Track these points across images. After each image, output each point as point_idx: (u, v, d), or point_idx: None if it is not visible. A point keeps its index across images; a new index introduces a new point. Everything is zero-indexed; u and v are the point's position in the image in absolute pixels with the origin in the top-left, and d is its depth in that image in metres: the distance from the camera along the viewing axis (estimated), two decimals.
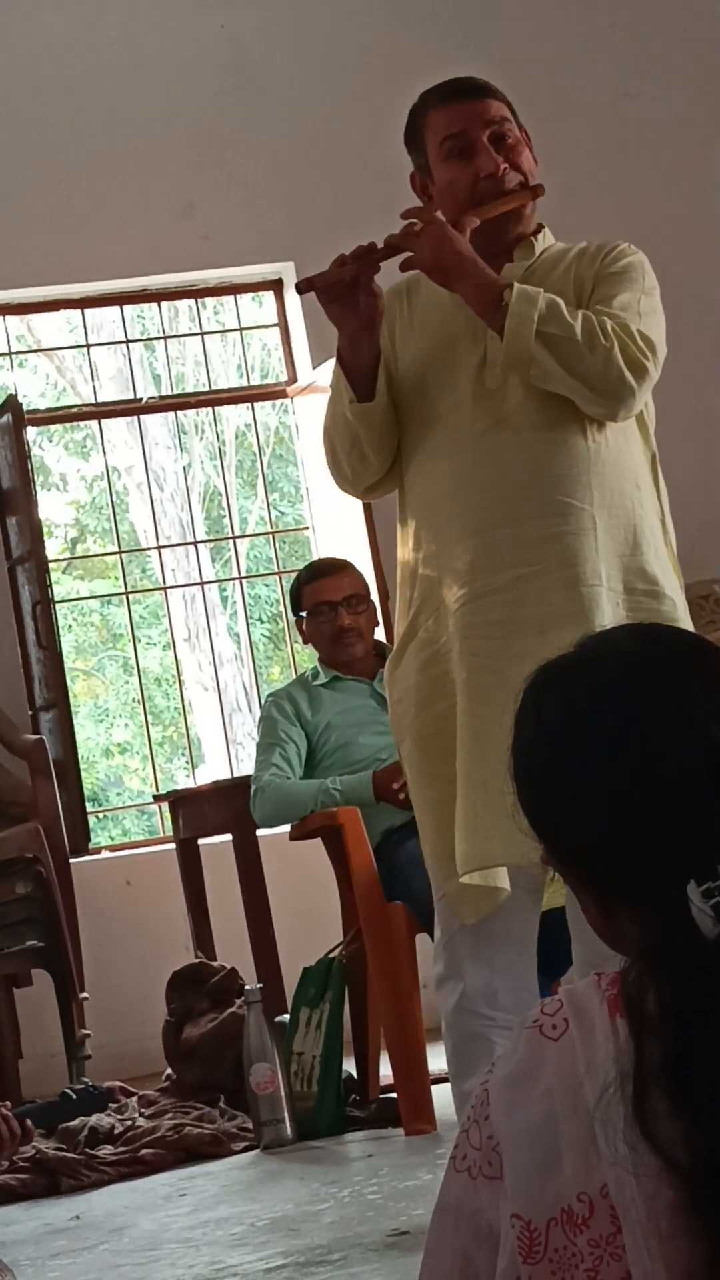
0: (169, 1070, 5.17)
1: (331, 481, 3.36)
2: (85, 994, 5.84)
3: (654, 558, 3.18)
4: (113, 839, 10.17)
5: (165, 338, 8.16)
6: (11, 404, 6.64)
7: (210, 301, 7.64)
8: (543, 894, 3.12)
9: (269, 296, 7.39)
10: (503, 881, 3.00)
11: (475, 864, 2.96)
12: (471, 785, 2.98)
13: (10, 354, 7.61)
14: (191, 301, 7.47)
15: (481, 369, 3.15)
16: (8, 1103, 3.70)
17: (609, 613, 3.06)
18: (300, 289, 3.17)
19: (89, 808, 6.86)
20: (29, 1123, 3.23)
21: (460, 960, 3.07)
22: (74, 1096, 4.05)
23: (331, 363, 3.28)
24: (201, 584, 8.79)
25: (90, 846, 6.68)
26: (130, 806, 12.21)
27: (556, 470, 3.10)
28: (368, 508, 6.65)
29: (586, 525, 3.09)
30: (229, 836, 5.58)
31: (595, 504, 3.11)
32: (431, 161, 3.24)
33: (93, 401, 8.07)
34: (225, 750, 7.99)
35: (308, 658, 7.74)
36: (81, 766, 6.80)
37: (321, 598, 5.10)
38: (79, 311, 7.35)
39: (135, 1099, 5.06)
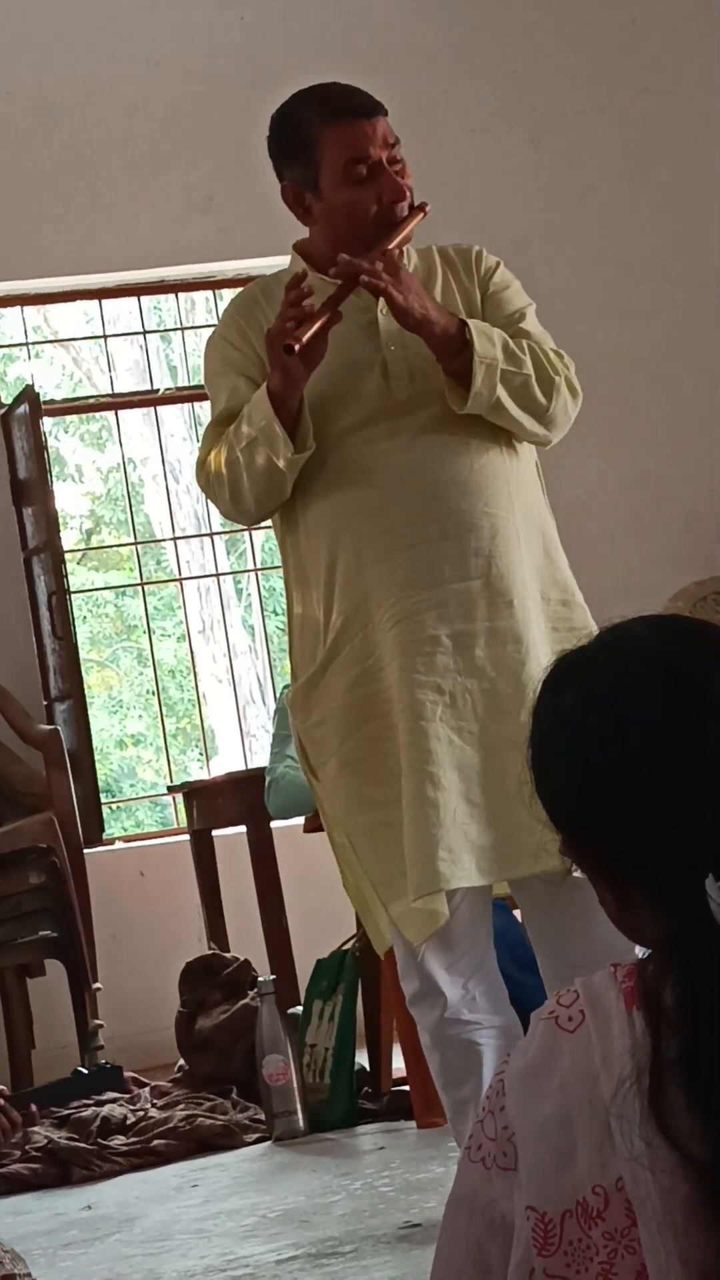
0: (181, 1061, 5.18)
1: None
2: (98, 984, 5.85)
3: (564, 566, 3.19)
4: (126, 830, 10.18)
5: (182, 329, 8.17)
6: (28, 394, 6.65)
7: (227, 294, 7.63)
8: (492, 887, 3.11)
9: None
10: (442, 906, 2.95)
11: (428, 888, 2.91)
12: (421, 805, 2.93)
13: (27, 344, 7.62)
14: (208, 293, 7.48)
15: (385, 381, 3.11)
16: (3, 1088, 3.66)
17: (537, 625, 3.07)
18: (290, 351, 2.97)
19: (103, 798, 6.86)
20: (33, 1106, 3.21)
21: (435, 977, 3.05)
22: (86, 1073, 4.04)
23: None
24: (217, 576, 8.78)
25: (104, 837, 6.69)
26: (144, 798, 12.22)
27: (480, 482, 3.08)
28: None
29: (512, 536, 3.08)
30: (243, 828, 5.59)
31: (517, 515, 3.11)
32: (327, 180, 3.11)
33: (109, 392, 8.08)
34: (239, 742, 7.99)
35: None
36: (95, 757, 6.80)
37: None
38: (96, 302, 7.35)
39: (147, 1090, 5.06)
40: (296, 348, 2.98)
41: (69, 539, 11.78)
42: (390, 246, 3.09)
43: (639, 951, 1.47)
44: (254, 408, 3.07)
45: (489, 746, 2.97)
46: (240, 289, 3.16)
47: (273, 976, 4.73)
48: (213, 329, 3.35)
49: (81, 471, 13.67)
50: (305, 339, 2.99)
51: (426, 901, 2.93)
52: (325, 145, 3.11)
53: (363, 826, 3.06)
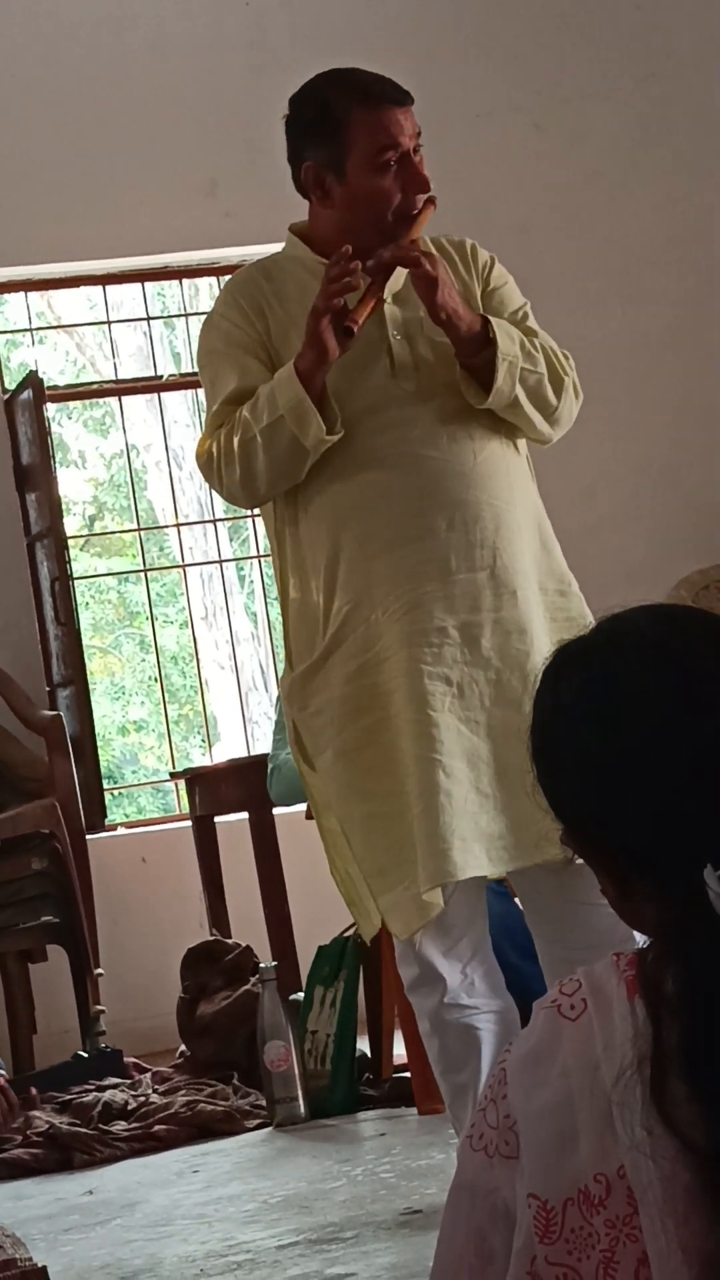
0: (183, 1047, 5.18)
1: None
2: (100, 970, 5.85)
3: (559, 556, 3.21)
4: (128, 816, 10.19)
5: (186, 315, 8.16)
6: (32, 380, 6.64)
7: None
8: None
9: None
10: (436, 897, 2.95)
11: (443, 878, 2.91)
12: (434, 794, 2.92)
13: (31, 330, 7.61)
14: (212, 279, 7.46)
15: (392, 371, 3.11)
16: (2, 1072, 3.68)
17: (538, 615, 3.08)
18: (350, 333, 2.98)
19: (105, 784, 6.87)
20: (33, 1090, 3.21)
21: (434, 962, 3.05)
22: (85, 1057, 4.02)
23: None
24: (220, 562, 8.78)
25: (106, 823, 6.69)
26: (147, 784, 12.22)
27: (483, 474, 3.09)
28: None
29: (514, 527, 3.10)
30: (245, 814, 5.59)
31: (517, 506, 3.12)
32: (354, 163, 3.08)
33: (112, 378, 8.07)
34: (241, 729, 8.00)
35: None
36: (98, 743, 6.80)
37: None
38: (100, 288, 7.34)
39: (149, 1075, 5.06)
40: (355, 329, 2.99)
41: (72, 525, 11.78)
42: (414, 238, 3.10)
43: (638, 939, 1.47)
44: (279, 387, 3.05)
45: (496, 737, 2.98)
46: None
47: (274, 963, 4.73)
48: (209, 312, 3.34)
49: (84, 457, 13.67)
50: (361, 320, 3.00)
51: (430, 894, 2.93)
52: (356, 128, 3.08)
53: (356, 817, 3.06)
